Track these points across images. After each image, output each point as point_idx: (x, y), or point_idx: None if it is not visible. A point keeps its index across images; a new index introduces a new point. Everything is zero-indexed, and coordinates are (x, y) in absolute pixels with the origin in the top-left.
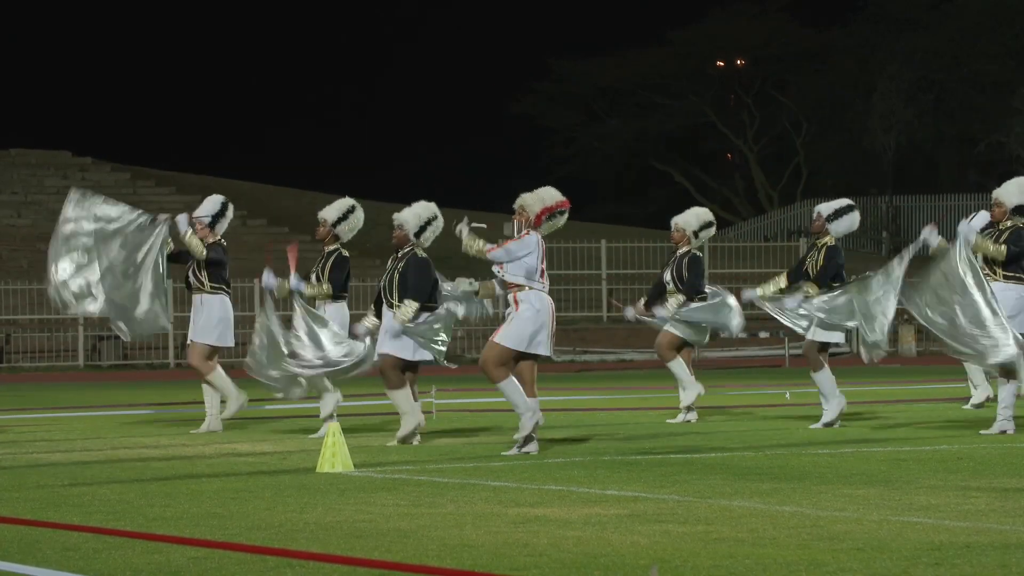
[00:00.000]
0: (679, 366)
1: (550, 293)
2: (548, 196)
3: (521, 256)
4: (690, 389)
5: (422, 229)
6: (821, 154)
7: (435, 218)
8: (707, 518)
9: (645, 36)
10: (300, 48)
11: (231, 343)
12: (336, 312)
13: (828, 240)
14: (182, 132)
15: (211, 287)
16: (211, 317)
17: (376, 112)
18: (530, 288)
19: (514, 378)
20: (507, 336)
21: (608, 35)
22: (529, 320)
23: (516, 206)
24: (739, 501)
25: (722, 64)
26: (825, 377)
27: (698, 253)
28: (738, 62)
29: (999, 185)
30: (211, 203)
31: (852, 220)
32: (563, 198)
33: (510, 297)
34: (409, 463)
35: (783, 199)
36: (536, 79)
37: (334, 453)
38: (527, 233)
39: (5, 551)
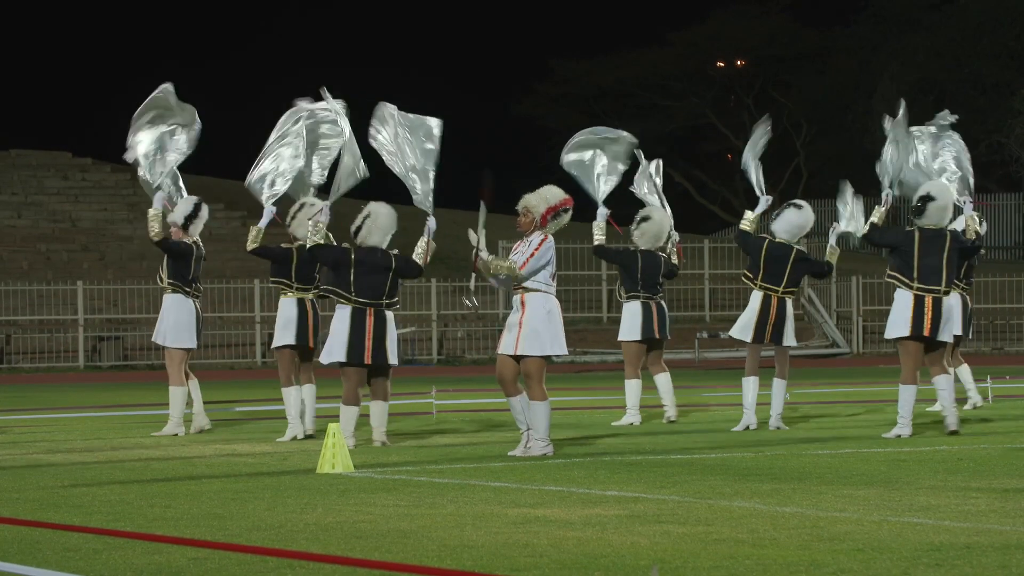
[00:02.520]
0: (632, 388)
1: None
2: (552, 195)
3: (543, 265)
4: (630, 416)
5: (358, 230)
6: (821, 155)
7: (368, 216)
8: (707, 519)
9: (646, 37)
10: (299, 45)
11: (192, 345)
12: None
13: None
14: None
15: (169, 284)
16: (166, 319)
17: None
18: (537, 291)
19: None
20: (546, 345)
21: (609, 36)
22: (546, 323)
23: (520, 207)
24: (739, 502)
25: (722, 65)
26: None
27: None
28: (738, 63)
29: (999, 185)
30: (184, 204)
31: (786, 218)
32: (566, 196)
33: (516, 299)
34: (409, 464)
35: (783, 200)
36: (538, 80)
37: (334, 454)
38: (545, 239)
39: (6, 552)
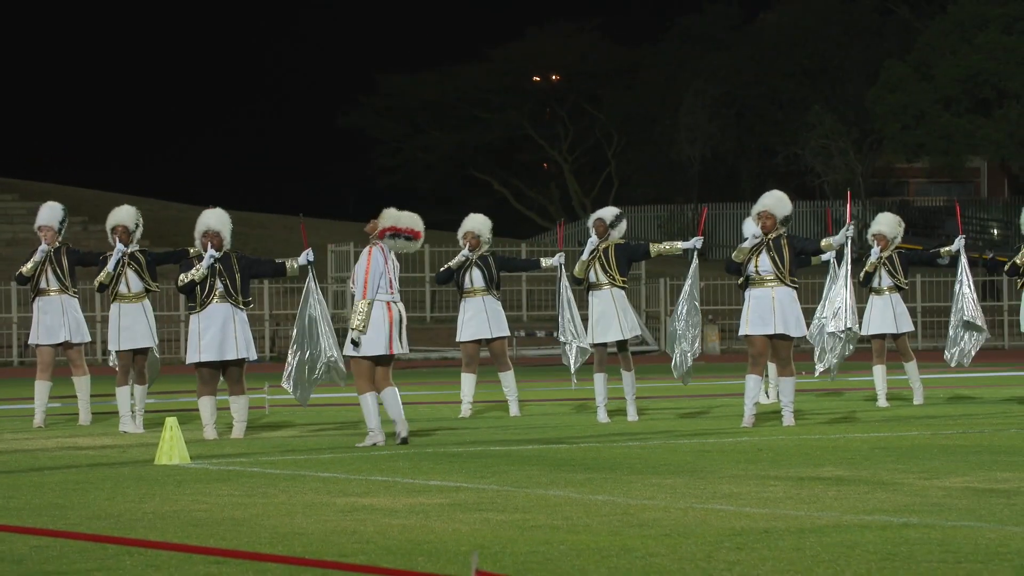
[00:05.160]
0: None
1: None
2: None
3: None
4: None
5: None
6: (631, 164)
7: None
8: (524, 507)
9: (466, 52)
10: (129, 58)
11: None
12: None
13: (617, 240)
14: (25, 139)
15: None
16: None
17: (214, 124)
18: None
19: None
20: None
21: (431, 51)
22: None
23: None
24: (554, 490)
25: (538, 79)
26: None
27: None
28: (553, 77)
29: (796, 194)
30: (54, 210)
31: (623, 226)
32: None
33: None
34: (243, 455)
35: (596, 206)
36: (364, 93)
37: (172, 446)
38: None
39: None
